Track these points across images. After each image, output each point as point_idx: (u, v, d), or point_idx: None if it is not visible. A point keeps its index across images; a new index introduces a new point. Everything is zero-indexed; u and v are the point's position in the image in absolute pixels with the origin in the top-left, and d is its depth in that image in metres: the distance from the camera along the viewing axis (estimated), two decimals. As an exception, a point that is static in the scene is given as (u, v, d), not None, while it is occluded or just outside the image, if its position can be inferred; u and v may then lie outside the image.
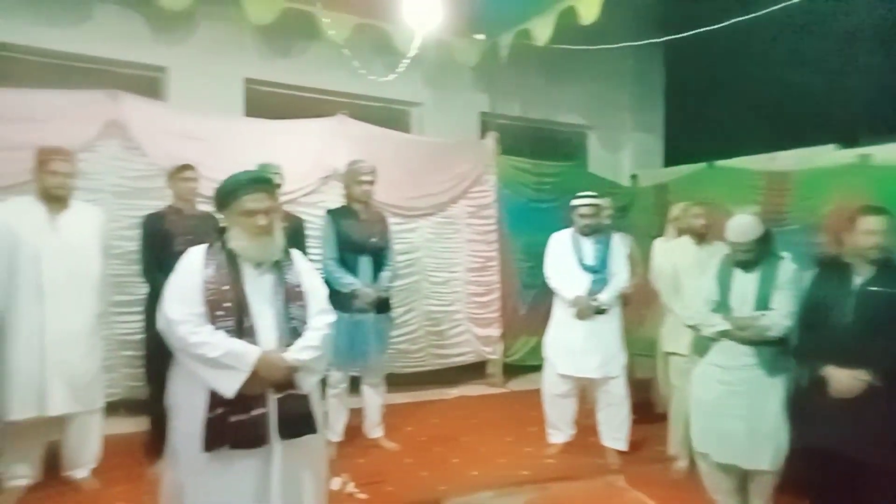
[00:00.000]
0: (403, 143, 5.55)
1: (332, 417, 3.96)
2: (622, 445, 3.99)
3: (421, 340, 5.45)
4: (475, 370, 5.83)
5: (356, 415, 4.21)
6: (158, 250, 3.58)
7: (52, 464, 3.40)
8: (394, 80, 5.60)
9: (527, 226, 5.90)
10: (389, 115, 6.26)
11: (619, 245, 4.10)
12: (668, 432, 4.00)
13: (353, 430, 4.18)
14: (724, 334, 3.06)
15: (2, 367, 3.13)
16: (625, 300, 4.24)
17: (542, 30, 5.26)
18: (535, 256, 5.78)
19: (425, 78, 6.18)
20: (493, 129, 6.02)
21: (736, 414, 2.99)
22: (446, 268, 5.62)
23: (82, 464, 3.40)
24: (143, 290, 3.81)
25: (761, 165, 5.25)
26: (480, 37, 5.89)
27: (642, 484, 3.64)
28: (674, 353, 3.92)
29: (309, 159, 4.99)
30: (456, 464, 3.94)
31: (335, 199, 4.85)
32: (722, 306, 3.10)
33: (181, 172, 3.73)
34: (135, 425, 4.04)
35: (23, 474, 3.25)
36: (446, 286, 5.61)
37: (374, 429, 4.19)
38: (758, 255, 3.07)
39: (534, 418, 4.51)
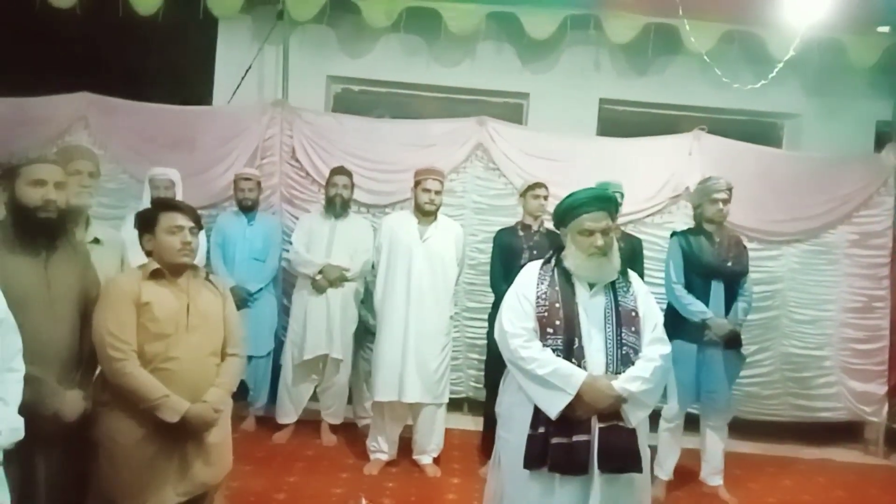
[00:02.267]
0: (771, 160, 4.92)
1: (662, 454, 3.70)
2: None
3: (776, 386, 4.73)
4: (847, 431, 4.84)
5: (691, 457, 3.85)
6: (506, 263, 3.80)
7: (405, 447, 3.87)
8: (764, 91, 4.99)
9: (937, 261, 4.71)
10: (757, 130, 5.61)
11: None
12: None
13: (687, 473, 3.83)
14: None
15: (375, 354, 3.72)
16: None
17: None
18: (948, 301, 4.61)
19: (804, 85, 5.38)
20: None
21: None
22: (815, 305, 4.77)
23: (427, 451, 3.80)
24: (491, 298, 4.09)
25: None
26: (884, 30, 4.88)
27: None
28: None
29: (660, 178, 4.78)
30: (812, 540, 3.30)
31: (684, 220, 4.56)
32: None
33: (532, 190, 3.92)
34: (474, 423, 4.38)
35: (384, 450, 3.78)
36: (813, 326, 4.76)
37: (712, 476, 3.77)
38: None
39: (929, 508, 3.54)
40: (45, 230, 2.09)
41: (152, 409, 2.09)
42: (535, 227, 3.91)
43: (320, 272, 4.02)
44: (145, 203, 3.85)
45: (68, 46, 5.35)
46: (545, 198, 3.92)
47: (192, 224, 2.27)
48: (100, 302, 2.17)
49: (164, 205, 2.34)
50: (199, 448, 2.21)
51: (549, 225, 3.98)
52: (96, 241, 2.56)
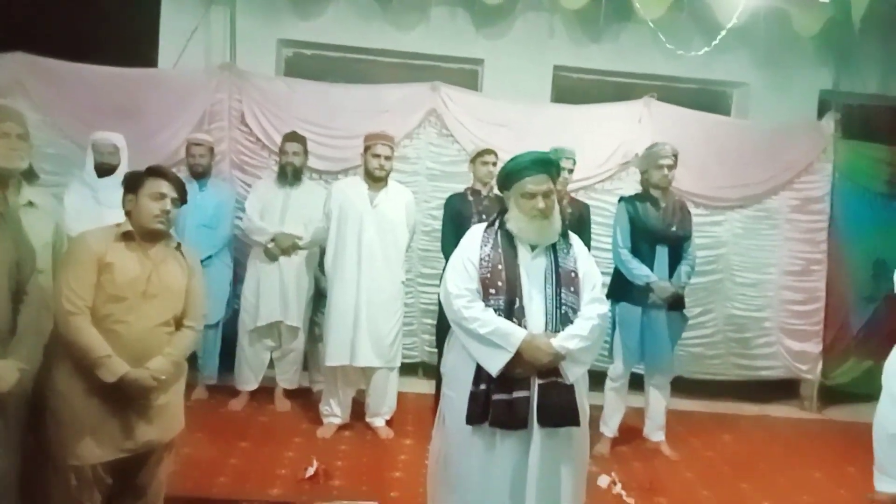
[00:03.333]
0: (718, 127, 5.02)
1: (608, 412, 3.84)
2: None
3: (719, 346, 4.91)
4: (784, 389, 5.07)
5: (636, 415, 4.00)
6: (456, 228, 3.82)
7: (358, 410, 3.93)
8: (713, 59, 5.10)
9: (871, 225, 4.91)
10: (707, 98, 5.72)
11: None
12: None
13: (631, 431, 3.99)
14: None
15: (327, 319, 3.74)
16: None
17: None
18: (881, 263, 4.80)
19: (751, 54, 5.47)
20: (838, 109, 5.09)
21: None
22: (757, 268, 4.93)
23: (380, 414, 3.86)
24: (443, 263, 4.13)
25: None
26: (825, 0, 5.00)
27: None
28: None
29: (610, 144, 4.85)
30: (745, 490, 3.47)
31: (633, 186, 4.65)
32: None
33: (482, 156, 3.95)
34: (429, 387, 4.46)
35: (337, 414, 3.82)
36: (755, 289, 4.93)
37: (655, 432, 3.92)
38: None
39: (854, 456, 3.78)
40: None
41: (92, 365, 2.10)
42: (484, 193, 3.96)
43: (272, 240, 3.99)
44: (88, 170, 3.77)
45: (2, 4, 5.10)
46: (494, 164, 3.94)
47: (175, 195, 2.30)
48: (65, 254, 2.23)
49: (153, 171, 2.34)
50: (144, 408, 2.22)
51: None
52: (30, 204, 2.50)
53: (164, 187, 2.27)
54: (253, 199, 4.12)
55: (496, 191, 3.97)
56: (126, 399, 2.18)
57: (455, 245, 3.70)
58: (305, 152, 4.18)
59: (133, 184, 2.29)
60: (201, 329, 2.45)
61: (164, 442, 2.33)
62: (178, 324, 2.34)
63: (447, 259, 3.81)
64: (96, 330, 2.12)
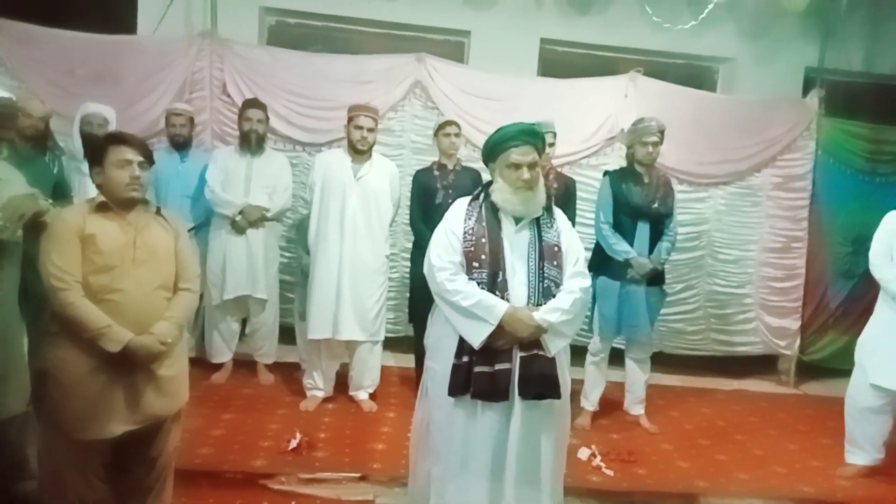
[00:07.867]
0: (704, 103, 5.01)
1: (589, 386, 3.88)
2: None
3: (700, 322, 4.97)
4: (763, 364, 5.15)
5: (618, 389, 4.05)
6: (423, 203, 3.82)
7: (342, 383, 3.93)
8: (700, 34, 5.05)
9: (852, 202, 4.96)
10: (693, 73, 5.70)
11: None
12: None
13: (612, 404, 4.04)
14: None
15: (310, 292, 3.71)
16: None
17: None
18: (861, 240, 4.87)
19: (738, 29, 5.45)
20: (823, 86, 5.10)
21: None
22: (738, 245, 4.98)
23: (363, 387, 3.87)
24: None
25: None
26: (813, -24, 4.98)
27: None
28: None
29: (596, 119, 4.83)
30: (722, 461, 3.54)
31: (618, 162, 4.65)
32: None
33: (443, 128, 3.88)
34: (412, 361, 4.46)
35: (321, 387, 3.83)
36: (736, 266, 4.99)
37: (634, 406, 3.97)
38: None
39: (829, 429, 3.86)
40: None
41: (94, 338, 2.07)
42: (450, 167, 3.91)
43: (240, 213, 3.90)
44: (76, 142, 3.72)
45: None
46: (456, 135, 3.90)
47: (141, 158, 2.22)
48: (45, 235, 2.17)
49: (113, 138, 2.26)
50: (150, 379, 2.20)
51: (466, 164, 4.01)
52: None
53: (129, 153, 2.19)
54: (214, 170, 3.95)
55: (463, 163, 3.97)
56: (133, 371, 2.15)
57: (422, 220, 3.76)
58: (267, 119, 4.07)
59: (96, 155, 2.21)
60: (198, 290, 2.42)
61: (171, 414, 2.32)
62: (175, 288, 2.30)
63: (415, 232, 3.88)
64: (91, 303, 2.08)
